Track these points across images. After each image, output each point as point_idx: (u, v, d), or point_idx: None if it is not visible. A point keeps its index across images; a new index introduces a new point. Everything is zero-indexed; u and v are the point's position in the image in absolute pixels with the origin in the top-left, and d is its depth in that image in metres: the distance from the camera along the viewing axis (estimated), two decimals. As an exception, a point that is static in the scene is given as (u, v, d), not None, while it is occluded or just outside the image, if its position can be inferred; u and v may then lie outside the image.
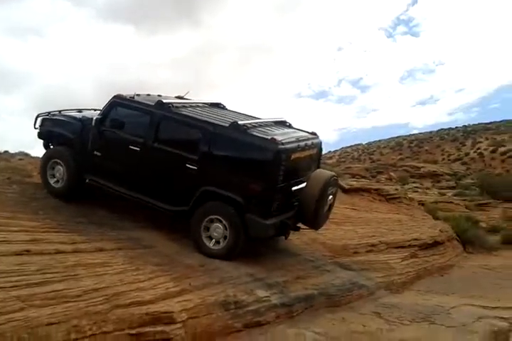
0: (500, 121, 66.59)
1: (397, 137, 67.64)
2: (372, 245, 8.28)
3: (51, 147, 7.52)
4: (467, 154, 51.19)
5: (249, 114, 7.57)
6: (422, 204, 15.01)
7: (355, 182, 14.14)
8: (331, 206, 6.90)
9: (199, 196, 6.28)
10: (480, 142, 54.53)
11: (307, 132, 7.23)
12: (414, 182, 32.45)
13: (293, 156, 6.27)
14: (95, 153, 6.88)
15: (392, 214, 11.21)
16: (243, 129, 6.23)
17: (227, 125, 6.33)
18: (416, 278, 7.95)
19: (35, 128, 7.46)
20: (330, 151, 64.83)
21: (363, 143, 66.92)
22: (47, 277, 4.37)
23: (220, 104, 7.96)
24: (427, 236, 9.64)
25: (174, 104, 6.77)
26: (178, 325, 4.34)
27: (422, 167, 40.03)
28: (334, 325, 5.32)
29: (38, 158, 9.96)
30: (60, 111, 7.67)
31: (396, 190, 14.61)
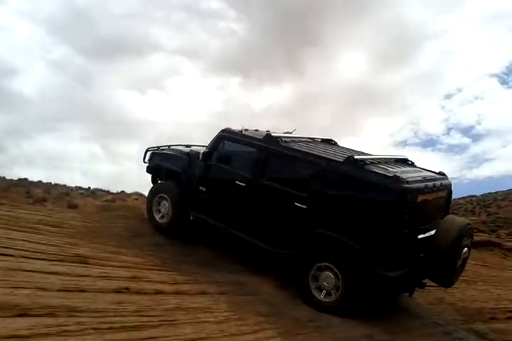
0: None
1: (517, 188, 61.39)
2: (514, 310, 6.86)
3: (159, 182, 7.43)
4: None
5: (364, 152, 6.89)
6: None
7: (475, 237, 12.47)
8: (465, 260, 5.80)
9: (308, 239, 5.62)
10: None
11: (434, 172, 6.32)
12: (541, 240, 28.73)
13: (420, 198, 5.39)
14: (201, 188, 6.59)
15: (531, 274, 9.49)
16: (360, 165, 5.54)
17: (341, 160, 5.69)
18: None
19: (144, 162, 7.43)
20: (440, 202, 60.14)
21: (477, 194, 61.55)
22: (143, 320, 3.92)
23: (331, 140, 7.41)
24: None
25: (283, 138, 6.32)
26: None
27: (550, 222, 35.43)
28: None
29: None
30: (169, 146, 7.62)
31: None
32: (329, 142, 7.29)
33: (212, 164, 6.55)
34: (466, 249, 5.65)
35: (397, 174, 5.34)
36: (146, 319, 3.97)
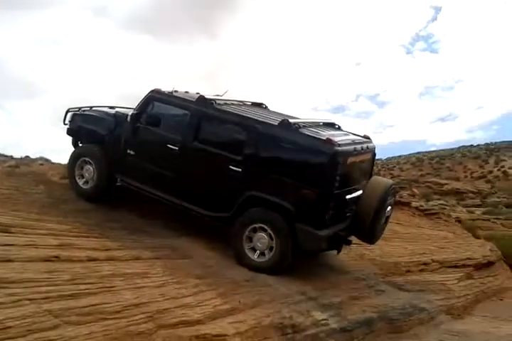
0: (524, 140, 65.09)
1: (417, 153, 66.55)
2: (425, 263, 7.53)
3: (80, 145, 6.98)
4: (491, 172, 49.89)
5: (294, 116, 6.97)
6: (459, 222, 14.14)
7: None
8: (387, 218, 6.20)
9: (242, 201, 5.66)
10: (504, 160, 53.23)
11: (359, 135, 6.58)
12: (438, 199, 31.47)
13: (349, 160, 5.62)
14: (129, 151, 6.31)
15: (437, 230, 10.43)
16: (294, 128, 5.61)
17: (275, 123, 5.72)
18: (475, 301, 7.16)
19: (64, 124, 6.92)
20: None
21: (382, 158, 65.79)
22: (80, 288, 3.76)
23: (262, 104, 7.38)
24: (480, 255, 8.84)
25: (217, 101, 6.19)
26: (232, 351, 3.68)
27: (446, 184, 38.96)
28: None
29: (58, 163, 9.50)
30: (91, 107, 7.14)
31: (434, 206, 13.89)
32: (260, 106, 7.26)
33: (142, 126, 6.26)
34: (389, 207, 6.03)
35: (329, 137, 5.47)
36: (83, 287, 3.80)
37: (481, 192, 37.99)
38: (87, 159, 6.56)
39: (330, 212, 5.43)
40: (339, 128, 6.69)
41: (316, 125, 6.22)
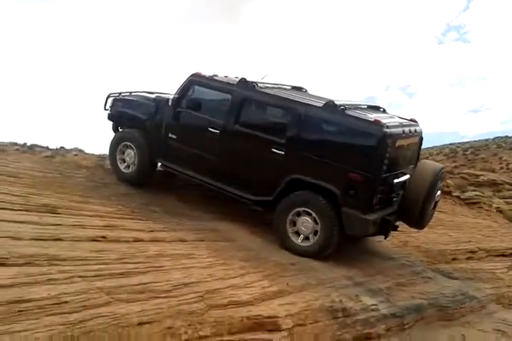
0: None
1: (451, 144, 64.78)
2: (472, 252, 7.26)
3: (121, 130, 6.98)
4: (528, 164, 48.17)
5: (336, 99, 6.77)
6: (500, 212, 13.65)
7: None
8: (436, 204, 5.95)
9: (286, 185, 5.53)
10: (542, 151, 51.28)
11: (406, 119, 6.33)
12: (474, 191, 30.62)
13: (398, 143, 5.40)
14: (170, 135, 6.26)
15: (480, 219, 10.09)
16: (340, 110, 5.42)
17: (320, 105, 5.55)
18: (526, 292, 6.86)
19: (105, 109, 6.92)
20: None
21: (414, 149, 64.26)
22: (129, 267, 3.73)
23: (302, 87, 7.20)
24: (527, 244, 8.50)
25: (258, 84, 6.06)
26: (284, 334, 3.59)
27: (481, 175, 37.75)
28: (456, 344, 4.42)
29: (91, 154, 9.53)
30: (130, 93, 7.12)
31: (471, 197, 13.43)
32: (300, 89, 7.09)
33: (183, 110, 6.20)
34: (439, 192, 5.79)
35: (377, 119, 5.27)
36: (131, 266, 3.78)
37: (518, 183, 36.71)
38: (128, 143, 6.56)
39: (377, 196, 5.25)
40: (384, 111, 6.46)
41: (361, 108, 6.02)
